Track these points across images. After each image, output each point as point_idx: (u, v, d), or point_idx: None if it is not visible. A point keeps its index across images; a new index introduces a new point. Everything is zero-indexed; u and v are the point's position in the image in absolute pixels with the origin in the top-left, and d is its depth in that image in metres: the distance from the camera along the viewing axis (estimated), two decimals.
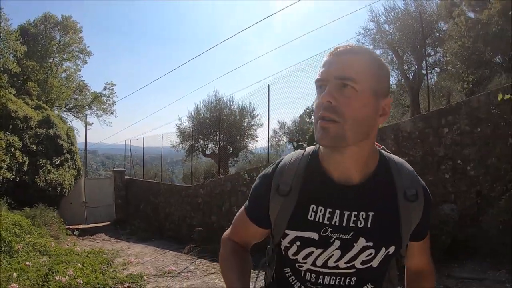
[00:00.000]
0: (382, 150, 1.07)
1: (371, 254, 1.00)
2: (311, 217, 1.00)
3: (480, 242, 4.93)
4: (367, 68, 0.91)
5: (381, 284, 1.13)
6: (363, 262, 1.01)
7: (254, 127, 16.82)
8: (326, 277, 1.04)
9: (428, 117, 5.98)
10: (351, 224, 0.98)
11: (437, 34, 12.18)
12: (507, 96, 4.61)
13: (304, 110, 18.15)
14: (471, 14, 12.01)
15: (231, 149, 16.50)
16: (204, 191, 10.78)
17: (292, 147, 17.61)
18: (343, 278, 1.04)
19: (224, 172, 12.79)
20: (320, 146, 1.04)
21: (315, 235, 1.00)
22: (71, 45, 22.16)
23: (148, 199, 14.37)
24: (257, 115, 16.39)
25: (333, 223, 0.99)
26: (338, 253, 1.00)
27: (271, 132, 12.76)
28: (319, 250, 1.00)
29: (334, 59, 0.93)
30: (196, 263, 7.39)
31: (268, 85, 10.01)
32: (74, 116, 24.07)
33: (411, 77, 12.44)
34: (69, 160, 14.18)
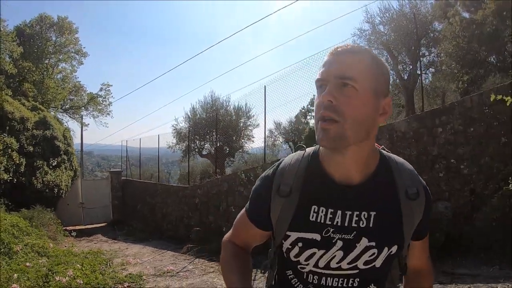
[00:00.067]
0: (382, 150, 1.07)
1: (374, 254, 0.99)
2: (312, 218, 0.99)
3: (473, 239, 5.04)
4: (367, 67, 0.92)
5: (384, 285, 1.11)
6: (366, 263, 1.00)
7: (250, 128, 16.89)
8: (329, 278, 1.03)
9: (422, 117, 6.08)
10: (353, 224, 0.98)
11: (432, 35, 12.29)
12: (499, 97, 4.69)
13: (300, 110, 18.28)
14: (466, 14, 12.11)
15: (228, 149, 16.56)
16: (201, 191, 10.83)
17: (288, 147, 17.72)
18: (346, 279, 1.03)
19: (221, 173, 12.85)
20: (321, 147, 1.04)
21: (317, 236, 0.99)
22: (67, 46, 22.07)
23: (145, 200, 14.39)
24: (253, 116, 16.47)
25: (335, 223, 0.98)
26: (340, 253, 0.99)
27: (267, 132, 12.84)
28: (321, 251, 1.00)
29: (334, 59, 0.93)
30: (195, 262, 7.45)
31: (265, 86, 10.12)
32: (70, 117, 24.01)
33: (405, 78, 12.55)
34: (66, 161, 14.17)
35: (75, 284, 5.06)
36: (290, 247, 1.03)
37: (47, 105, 18.96)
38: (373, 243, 0.98)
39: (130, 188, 16.34)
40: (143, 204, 14.56)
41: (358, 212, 0.98)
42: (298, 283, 1.08)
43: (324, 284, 1.04)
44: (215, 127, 15.02)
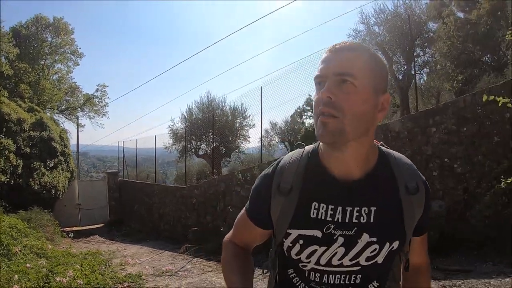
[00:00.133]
0: (381, 146, 1.08)
1: (375, 250, 0.99)
2: (313, 214, 0.99)
3: (467, 236, 5.14)
4: (366, 64, 0.92)
5: (385, 282, 1.11)
6: (367, 259, 1.00)
7: (246, 128, 16.97)
8: (330, 276, 1.03)
9: (416, 117, 6.18)
10: (354, 220, 0.97)
11: (426, 35, 12.41)
12: (491, 97, 4.78)
13: (295, 110, 18.35)
14: (461, 14, 12.24)
15: (224, 149, 16.63)
16: (198, 192, 10.89)
17: (283, 147, 17.78)
18: (348, 276, 1.02)
19: (217, 173, 12.92)
20: (320, 144, 1.05)
21: (318, 233, 0.99)
22: (63, 47, 22.05)
23: (142, 200, 14.43)
24: (249, 116, 16.54)
25: (335, 219, 0.98)
26: (342, 250, 0.99)
27: (262, 132, 12.94)
28: (323, 248, 0.99)
29: (332, 56, 0.94)
30: (193, 262, 7.52)
31: (261, 87, 10.22)
32: (66, 118, 24.00)
33: (400, 78, 12.67)
34: (63, 163, 14.19)
35: (76, 285, 5.11)
36: (291, 245, 1.02)
37: (43, 106, 18.93)
38: (374, 239, 0.98)
39: (127, 188, 16.37)
40: (140, 205, 14.60)
41: (358, 208, 0.98)
42: (300, 281, 1.08)
43: (326, 281, 1.03)
44: (212, 128, 15.08)
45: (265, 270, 1.19)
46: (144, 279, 6.09)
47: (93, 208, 16.29)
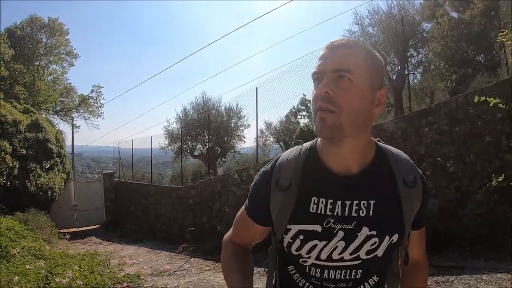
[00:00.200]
0: (378, 142, 1.09)
1: (375, 243, 0.99)
2: (313, 209, 1.00)
3: (459, 235, 5.25)
4: (362, 60, 0.93)
5: (385, 277, 1.12)
6: (368, 252, 1.00)
7: (241, 128, 17.05)
8: (331, 271, 1.03)
9: (409, 118, 6.29)
10: (353, 214, 0.98)
11: (419, 36, 12.53)
12: (483, 98, 4.88)
13: (290, 110, 18.44)
14: (454, 14, 12.38)
15: (219, 149, 16.69)
16: (194, 192, 10.94)
17: (278, 147, 17.86)
18: (348, 271, 1.03)
19: (213, 173, 12.98)
20: (318, 140, 1.06)
21: (318, 227, 0.99)
22: (58, 48, 22.03)
23: (138, 201, 14.45)
24: (244, 116, 16.62)
25: (335, 213, 0.99)
26: (342, 244, 0.99)
27: (258, 132, 13.01)
28: (323, 243, 1.00)
29: (330, 52, 0.95)
30: (190, 261, 7.58)
31: (256, 87, 10.32)
32: (61, 119, 23.92)
33: (394, 78, 12.79)
34: (59, 164, 14.19)
35: (75, 285, 5.17)
36: (291, 240, 1.03)
37: (38, 107, 18.91)
38: (374, 232, 0.98)
39: (123, 189, 16.39)
40: (136, 206, 14.62)
41: (357, 202, 0.99)
42: (300, 278, 1.08)
43: (326, 277, 1.03)
44: (208, 128, 15.13)
45: (267, 269, 1.19)
46: (142, 279, 6.16)
47: (89, 209, 16.29)
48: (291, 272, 1.10)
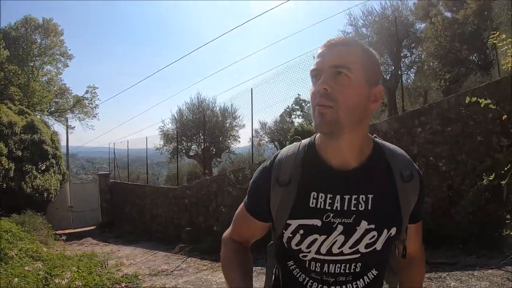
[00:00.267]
0: (374, 138, 1.11)
1: (374, 236, 1.01)
2: (312, 204, 1.01)
3: (452, 233, 5.35)
4: (359, 57, 0.96)
5: (384, 271, 1.14)
6: (367, 246, 1.02)
7: (236, 128, 17.08)
8: (331, 265, 1.04)
9: (402, 118, 6.40)
10: (352, 208, 1.00)
11: (413, 37, 12.65)
12: (474, 99, 4.98)
13: (284, 109, 18.52)
14: (448, 14, 12.53)
15: (214, 150, 16.73)
16: (190, 192, 10.98)
17: (273, 147, 17.94)
18: (348, 265, 1.04)
19: (209, 173, 13.03)
20: (316, 137, 1.08)
21: (317, 222, 1.01)
22: (52, 48, 21.93)
23: (133, 202, 14.46)
24: (239, 116, 16.67)
25: (334, 208, 1.00)
26: (341, 238, 1.01)
27: (252, 133, 13.09)
28: (323, 237, 1.01)
29: (327, 50, 0.97)
30: (187, 261, 7.64)
31: (251, 88, 10.40)
32: (56, 120, 23.80)
33: (388, 78, 12.91)
34: (54, 165, 14.17)
35: (74, 286, 5.20)
36: (291, 235, 1.04)
37: (33, 109, 18.82)
38: (373, 226, 1.00)
39: (118, 190, 16.38)
40: (132, 206, 14.63)
41: (356, 196, 1.00)
42: (300, 273, 1.09)
43: (326, 271, 1.05)
44: (204, 128, 15.17)
45: (263, 268, 1.20)
46: (141, 279, 6.20)
47: (84, 210, 16.29)
48: (291, 268, 1.11)
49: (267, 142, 18.93)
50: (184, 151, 17.18)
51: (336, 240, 1.01)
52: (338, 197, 1.00)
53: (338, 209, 1.00)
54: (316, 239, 1.02)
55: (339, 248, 1.02)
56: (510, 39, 5.86)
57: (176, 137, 16.19)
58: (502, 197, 4.86)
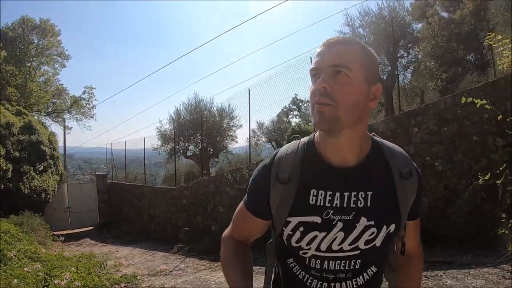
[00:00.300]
0: (373, 136, 1.12)
1: (373, 233, 1.02)
2: (312, 201, 1.02)
3: (448, 233, 5.40)
4: (358, 56, 0.96)
5: (383, 268, 1.14)
6: (366, 242, 1.02)
7: (233, 128, 17.10)
8: (331, 262, 1.05)
9: (399, 118, 6.45)
10: (352, 205, 1.01)
11: (409, 37, 12.70)
12: (470, 99, 5.03)
13: (282, 109, 18.56)
14: (445, 14, 12.58)
15: (212, 150, 16.74)
16: (188, 192, 11.00)
17: (270, 146, 17.98)
18: (348, 261, 1.05)
19: (206, 173, 13.05)
20: (316, 135, 1.09)
21: (317, 219, 1.01)
22: (49, 49, 21.85)
23: (131, 202, 14.47)
24: (236, 116, 16.68)
25: (334, 205, 1.01)
26: (341, 235, 1.01)
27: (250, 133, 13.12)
28: (323, 234, 1.02)
29: (327, 49, 0.98)
30: (186, 261, 7.67)
31: (249, 89, 10.45)
32: (53, 120, 23.73)
33: (385, 78, 12.96)
34: (52, 166, 14.15)
35: (74, 287, 5.22)
36: (291, 233, 1.05)
37: (30, 109, 18.79)
38: (372, 222, 1.01)
39: (116, 191, 16.38)
40: (129, 207, 14.63)
41: (355, 193, 1.01)
42: (300, 270, 1.09)
43: (326, 268, 1.05)
44: (201, 128, 15.19)
45: (261, 268, 1.23)
46: (140, 279, 6.23)
47: (82, 211, 16.27)
48: (290, 265, 1.11)
49: (264, 142, 18.97)
50: (181, 151, 17.19)
51: (336, 237, 1.02)
52: (337, 194, 1.01)
53: (338, 206, 1.01)
54: (316, 236, 1.03)
55: (339, 245, 1.03)
56: (506, 40, 5.92)
57: (174, 137, 16.20)
58: (497, 197, 4.92)
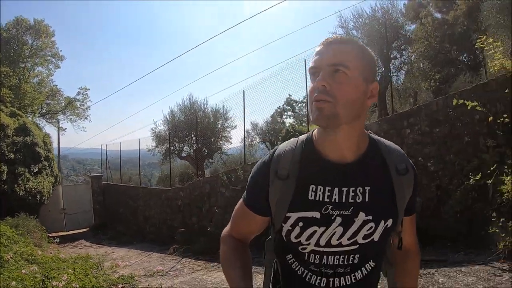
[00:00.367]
0: (370, 134, 1.13)
1: (371, 227, 1.03)
2: (311, 197, 1.04)
3: (440, 233, 5.50)
4: (356, 55, 0.98)
5: (381, 263, 1.16)
6: (364, 237, 1.04)
7: (228, 129, 17.11)
8: (330, 257, 1.06)
9: (392, 119, 6.56)
10: (350, 200, 1.02)
11: (402, 38, 12.80)
12: (461, 101, 5.14)
13: (276, 110, 18.63)
14: (438, 15, 12.71)
15: (206, 151, 16.76)
16: (183, 193, 11.04)
17: (265, 147, 18.04)
18: (346, 256, 1.06)
19: (201, 174, 13.07)
20: (314, 132, 1.11)
21: (316, 214, 1.03)
22: (44, 49, 21.78)
23: (126, 203, 14.47)
24: (231, 117, 16.70)
25: (333, 200, 1.03)
26: (340, 229, 1.03)
27: (244, 133, 13.17)
28: (322, 229, 1.03)
29: (325, 48, 1.00)
30: (182, 262, 7.72)
31: (243, 90, 10.50)
32: (47, 121, 23.61)
33: (378, 79, 13.01)
34: (47, 167, 14.14)
35: None
36: (290, 228, 1.06)
37: (25, 110, 18.70)
38: (370, 217, 1.03)
39: (111, 192, 16.35)
40: (124, 208, 14.63)
41: (354, 188, 1.03)
42: (299, 266, 1.10)
43: (325, 263, 1.06)
44: (196, 129, 15.21)
45: (259, 268, 1.26)
46: (137, 280, 6.28)
47: (77, 213, 16.25)
48: (289, 261, 1.12)
49: (258, 142, 18.99)
50: (176, 152, 17.17)
51: (335, 232, 1.03)
52: (336, 189, 1.03)
53: (337, 201, 1.03)
54: (315, 231, 1.04)
55: (337, 240, 1.04)
56: (497, 43, 6.04)
57: (169, 138, 16.19)
58: (488, 196, 5.02)
